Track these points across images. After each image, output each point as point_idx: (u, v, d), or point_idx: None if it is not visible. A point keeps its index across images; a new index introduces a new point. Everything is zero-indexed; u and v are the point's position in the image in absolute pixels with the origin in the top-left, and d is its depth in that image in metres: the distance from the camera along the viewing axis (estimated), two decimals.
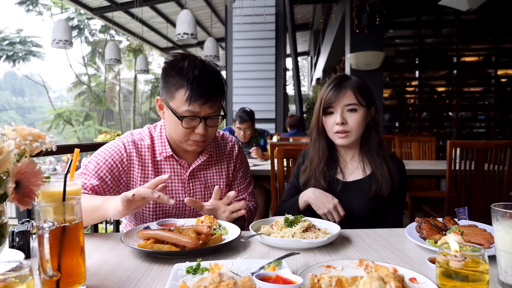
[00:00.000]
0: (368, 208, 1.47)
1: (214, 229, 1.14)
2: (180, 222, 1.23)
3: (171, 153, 1.38)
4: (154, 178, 1.36)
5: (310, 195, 1.44)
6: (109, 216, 1.13)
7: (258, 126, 4.33)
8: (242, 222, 1.43)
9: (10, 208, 0.80)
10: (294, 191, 1.60)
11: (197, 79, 1.24)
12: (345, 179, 1.54)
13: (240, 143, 1.62)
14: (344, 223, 1.29)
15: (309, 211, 1.47)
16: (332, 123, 1.48)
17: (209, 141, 1.39)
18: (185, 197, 1.41)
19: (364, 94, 1.47)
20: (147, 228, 1.18)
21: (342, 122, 1.45)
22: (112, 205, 1.09)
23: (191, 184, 1.43)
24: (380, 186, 1.46)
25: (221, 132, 1.58)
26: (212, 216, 1.23)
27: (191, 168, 1.42)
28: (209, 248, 1.02)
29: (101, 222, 2.22)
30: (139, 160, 1.37)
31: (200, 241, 1.00)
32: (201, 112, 1.26)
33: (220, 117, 1.33)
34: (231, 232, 1.16)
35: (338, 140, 1.49)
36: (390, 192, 1.46)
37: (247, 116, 3.95)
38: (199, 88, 1.24)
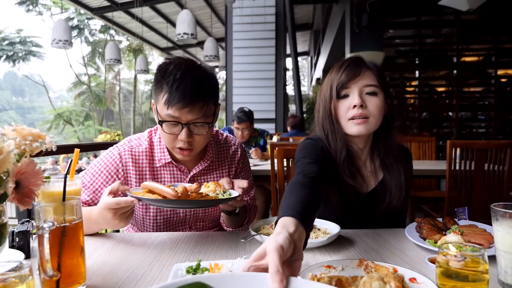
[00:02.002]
0: (390, 216, 1.34)
1: (217, 194, 1.14)
2: (192, 186, 1.21)
3: (170, 159, 1.35)
4: None
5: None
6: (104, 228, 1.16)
7: (258, 126, 4.33)
8: (241, 220, 1.42)
9: (10, 208, 0.80)
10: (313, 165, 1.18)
11: (177, 82, 1.17)
12: (364, 190, 1.33)
13: (243, 145, 1.59)
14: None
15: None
16: (346, 108, 1.24)
17: (197, 150, 1.30)
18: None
19: (383, 79, 1.27)
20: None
21: (361, 104, 1.21)
22: (101, 218, 1.09)
23: None
24: (392, 197, 1.29)
25: (225, 135, 1.53)
26: (220, 183, 1.20)
27: (191, 173, 1.39)
28: (193, 201, 1.07)
29: None
30: (136, 169, 1.34)
31: (189, 198, 1.06)
32: (181, 117, 1.19)
33: (207, 125, 1.24)
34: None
35: (353, 128, 1.23)
36: (402, 203, 1.29)
37: (245, 116, 3.95)
38: (177, 91, 1.17)
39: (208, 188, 1.17)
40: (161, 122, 1.23)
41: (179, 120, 1.20)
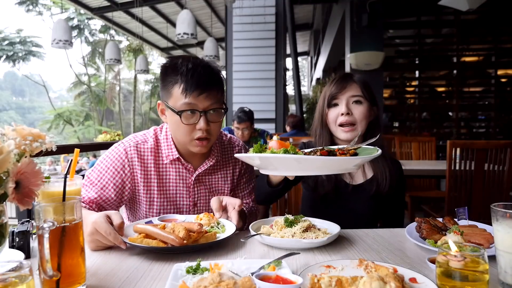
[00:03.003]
0: (371, 209, 1.49)
1: (212, 227, 1.15)
2: (180, 218, 1.23)
3: (177, 156, 1.37)
4: (156, 182, 1.36)
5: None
6: None
7: (258, 126, 4.33)
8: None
9: (10, 208, 0.80)
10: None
11: (191, 71, 1.25)
12: (353, 181, 1.51)
13: (247, 147, 1.60)
14: (347, 225, 1.25)
15: (310, 211, 1.47)
16: (336, 115, 1.47)
17: (213, 140, 1.35)
18: (189, 201, 1.41)
19: (368, 90, 1.48)
20: (149, 222, 1.19)
21: (347, 112, 1.43)
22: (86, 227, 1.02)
23: (196, 189, 1.42)
24: (379, 185, 1.46)
25: (228, 136, 1.56)
26: (212, 214, 1.22)
27: (197, 172, 1.40)
28: (197, 246, 1.02)
29: None
30: (141, 165, 1.35)
31: (191, 239, 1.01)
32: (198, 104, 1.25)
33: (222, 111, 1.32)
34: (229, 230, 1.15)
35: (342, 134, 1.46)
36: (388, 190, 1.45)
37: (245, 116, 3.96)
38: (193, 78, 1.24)
39: (202, 221, 1.17)
40: (180, 113, 1.25)
41: (197, 107, 1.26)
